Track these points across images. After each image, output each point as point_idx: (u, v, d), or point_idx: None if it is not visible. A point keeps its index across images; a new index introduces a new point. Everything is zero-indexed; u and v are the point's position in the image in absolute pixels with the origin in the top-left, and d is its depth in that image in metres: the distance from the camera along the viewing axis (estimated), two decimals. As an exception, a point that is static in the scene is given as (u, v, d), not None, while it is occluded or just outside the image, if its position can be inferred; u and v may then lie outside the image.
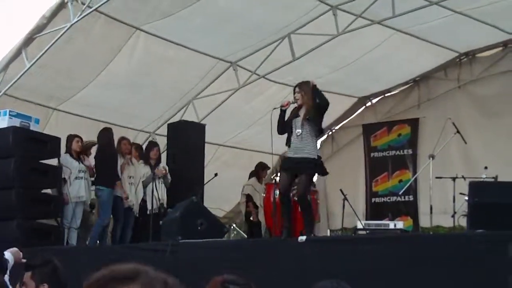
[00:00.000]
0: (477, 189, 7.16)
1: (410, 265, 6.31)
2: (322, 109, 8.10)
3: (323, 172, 8.45)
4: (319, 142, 14.29)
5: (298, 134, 7.84)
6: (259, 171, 11.80)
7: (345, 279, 3.47)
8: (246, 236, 12.09)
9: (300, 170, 7.95)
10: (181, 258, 7.24)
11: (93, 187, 10.21)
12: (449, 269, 6.10)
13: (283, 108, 8.06)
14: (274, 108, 8.16)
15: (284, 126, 8.01)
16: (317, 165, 8.22)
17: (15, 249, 4.79)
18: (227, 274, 3.54)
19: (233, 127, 13.20)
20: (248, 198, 11.51)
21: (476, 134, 11.86)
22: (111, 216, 10.09)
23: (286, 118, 8.04)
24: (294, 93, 8.11)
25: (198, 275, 5.19)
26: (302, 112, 7.98)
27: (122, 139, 10.52)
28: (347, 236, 8.53)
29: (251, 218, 11.44)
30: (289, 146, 7.93)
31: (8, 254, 4.69)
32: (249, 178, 12.12)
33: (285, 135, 8.06)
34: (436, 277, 6.11)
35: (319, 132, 8.18)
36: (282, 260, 6.81)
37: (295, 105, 8.09)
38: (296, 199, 9.67)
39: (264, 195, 10.91)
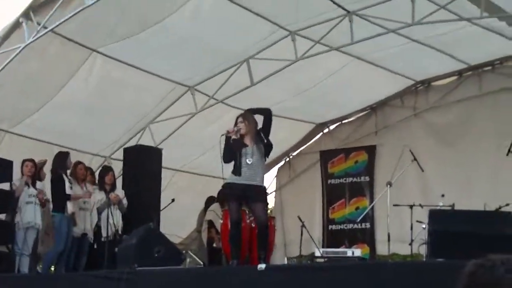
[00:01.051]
0: (437, 217, 7.16)
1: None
2: (267, 127, 8.04)
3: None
4: (276, 168, 14.33)
5: (249, 162, 7.77)
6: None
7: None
8: (202, 263, 11.87)
9: (254, 198, 7.88)
10: (138, 286, 7.04)
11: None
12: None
13: (229, 135, 7.96)
14: (222, 135, 8.04)
15: (230, 154, 7.91)
16: (266, 193, 8.22)
17: None
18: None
19: (190, 152, 13.05)
20: (210, 224, 11.32)
21: (433, 162, 11.93)
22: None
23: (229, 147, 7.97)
24: (236, 123, 8.02)
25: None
26: (248, 141, 7.90)
27: (78, 163, 10.28)
28: (307, 264, 8.45)
29: (214, 245, 11.22)
30: (238, 175, 7.82)
31: None
32: (207, 204, 11.95)
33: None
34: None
35: (270, 147, 8.07)
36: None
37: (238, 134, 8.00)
38: (254, 225, 9.59)
39: (222, 221, 10.77)
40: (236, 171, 7.80)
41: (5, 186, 9.46)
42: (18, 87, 10.34)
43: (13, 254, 9.30)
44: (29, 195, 9.55)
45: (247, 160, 7.76)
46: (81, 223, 9.97)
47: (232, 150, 7.87)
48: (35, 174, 9.83)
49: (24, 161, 9.76)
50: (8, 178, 9.43)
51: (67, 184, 9.73)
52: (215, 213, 11.33)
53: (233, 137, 7.95)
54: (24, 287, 7.65)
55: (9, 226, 9.35)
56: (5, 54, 9.34)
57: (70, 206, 9.72)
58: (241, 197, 7.84)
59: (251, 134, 7.91)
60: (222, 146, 7.95)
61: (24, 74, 10.06)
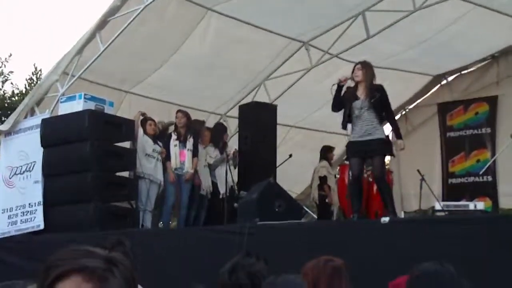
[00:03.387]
0: None
1: (496, 248, 6.05)
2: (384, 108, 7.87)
3: (391, 152, 8.22)
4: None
5: (359, 114, 7.63)
6: (327, 153, 11.62)
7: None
8: (316, 218, 11.89)
9: (371, 153, 7.74)
10: (259, 240, 7.10)
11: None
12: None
13: (341, 84, 7.83)
14: (333, 85, 7.91)
15: (340, 104, 7.78)
16: (387, 144, 8.00)
17: None
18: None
19: (305, 108, 13.01)
20: (323, 180, 11.31)
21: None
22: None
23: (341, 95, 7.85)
24: (354, 70, 7.84)
25: (277, 257, 5.08)
26: (361, 93, 7.72)
27: (206, 128, 10.59)
28: (432, 217, 8.26)
29: (327, 200, 11.21)
30: (353, 128, 7.70)
31: None
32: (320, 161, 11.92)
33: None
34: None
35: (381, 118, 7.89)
36: (365, 241, 6.61)
37: (351, 82, 7.85)
38: (371, 180, 9.50)
39: (338, 176, 10.73)
40: (345, 125, 7.72)
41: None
42: (137, 48, 10.55)
43: (137, 210, 9.61)
44: (153, 150, 9.79)
45: (357, 112, 7.65)
46: (205, 181, 10.19)
47: (342, 100, 7.76)
48: (157, 132, 10.07)
49: (146, 119, 10.01)
50: (131, 136, 9.71)
51: (171, 143, 9.90)
52: (327, 169, 11.32)
53: (346, 85, 7.83)
54: (149, 241, 7.89)
55: (133, 183, 9.64)
56: (125, 16, 9.54)
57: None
58: (362, 153, 7.74)
59: (366, 84, 7.75)
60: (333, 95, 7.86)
61: (143, 35, 10.25)
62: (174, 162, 9.83)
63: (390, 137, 8.51)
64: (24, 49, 41.56)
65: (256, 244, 6.95)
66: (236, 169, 10.78)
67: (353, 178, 7.99)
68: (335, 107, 7.89)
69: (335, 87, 7.86)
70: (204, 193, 10.26)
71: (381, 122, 7.86)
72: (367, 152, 7.75)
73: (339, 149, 12.08)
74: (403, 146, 8.11)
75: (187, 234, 8.44)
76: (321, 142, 12.92)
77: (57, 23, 47.18)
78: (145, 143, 9.76)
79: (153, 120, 10.04)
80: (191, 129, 10.16)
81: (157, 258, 7.54)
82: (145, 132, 9.87)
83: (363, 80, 7.78)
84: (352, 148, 7.83)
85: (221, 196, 10.25)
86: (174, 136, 9.93)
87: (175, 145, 9.89)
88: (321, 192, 11.32)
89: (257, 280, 3.18)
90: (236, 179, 10.56)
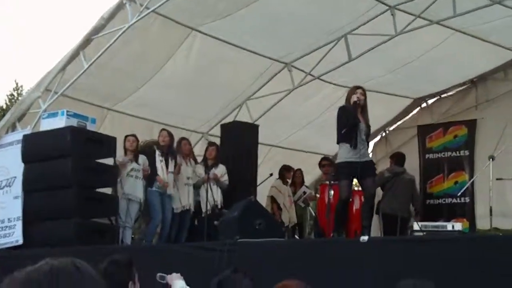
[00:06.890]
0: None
1: (473, 267, 6.15)
2: None
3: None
4: (372, 143, 14.22)
5: (364, 139, 7.87)
6: (284, 173, 11.75)
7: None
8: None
9: (366, 174, 7.95)
10: (239, 258, 7.15)
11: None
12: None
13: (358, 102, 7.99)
14: (353, 102, 8.01)
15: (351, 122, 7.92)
16: (374, 167, 8.21)
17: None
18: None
19: (286, 128, 13.12)
20: (272, 199, 11.44)
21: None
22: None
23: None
24: (357, 94, 8.02)
25: (257, 274, 5.12)
26: (360, 117, 7.92)
27: (182, 139, 10.53)
28: (410, 237, 8.36)
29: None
30: (354, 147, 7.80)
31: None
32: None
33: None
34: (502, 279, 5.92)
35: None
36: (342, 260, 6.69)
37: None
38: (350, 200, 9.62)
39: (318, 196, 10.81)
40: (353, 144, 7.81)
41: (109, 161, 9.79)
42: (121, 66, 10.62)
43: (116, 226, 9.61)
44: (131, 169, 9.81)
45: (362, 137, 7.85)
46: (185, 198, 10.17)
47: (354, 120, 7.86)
48: (137, 149, 10.09)
49: (126, 136, 10.05)
50: (112, 153, 9.72)
51: (157, 158, 9.92)
52: (277, 189, 11.45)
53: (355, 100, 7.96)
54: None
55: (113, 200, 9.65)
56: (109, 35, 9.61)
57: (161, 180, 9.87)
58: (355, 173, 7.89)
59: (364, 110, 7.98)
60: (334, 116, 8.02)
61: (126, 54, 10.32)
62: (162, 176, 9.85)
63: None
64: (5, 65, 41.48)
65: (236, 261, 6.99)
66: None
67: (343, 200, 8.14)
68: (350, 126, 7.89)
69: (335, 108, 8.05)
70: (182, 210, 10.20)
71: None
72: (361, 173, 7.90)
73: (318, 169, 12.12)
74: None
75: (167, 251, 8.45)
76: (302, 162, 13.03)
77: (37, 40, 47.14)
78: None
79: (133, 136, 10.04)
80: (173, 151, 10.20)
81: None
82: (125, 150, 9.91)
83: (363, 106, 8.01)
84: (347, 168, 7.93)
85: (203, 215, 10.27)
86: (158, 152, 9.95)
87: (161, 161, 9.91)
88: (272, 211, 11.40)
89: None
90: (220, 198, 10.53)
